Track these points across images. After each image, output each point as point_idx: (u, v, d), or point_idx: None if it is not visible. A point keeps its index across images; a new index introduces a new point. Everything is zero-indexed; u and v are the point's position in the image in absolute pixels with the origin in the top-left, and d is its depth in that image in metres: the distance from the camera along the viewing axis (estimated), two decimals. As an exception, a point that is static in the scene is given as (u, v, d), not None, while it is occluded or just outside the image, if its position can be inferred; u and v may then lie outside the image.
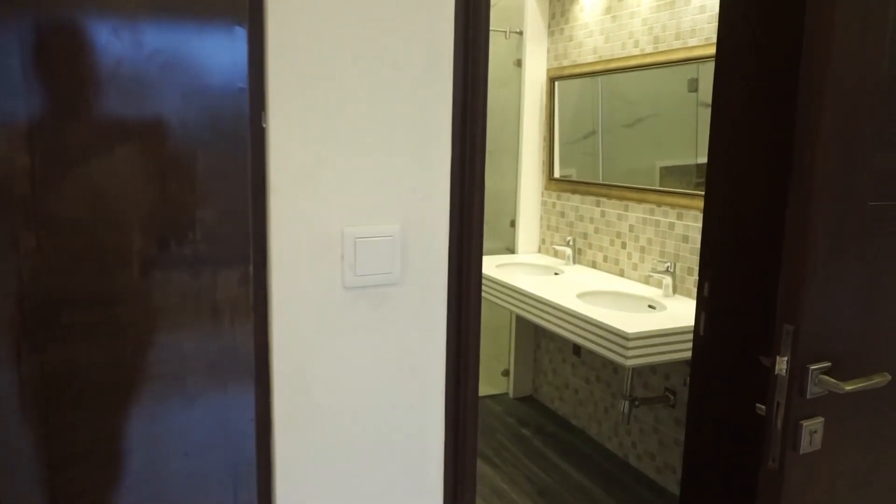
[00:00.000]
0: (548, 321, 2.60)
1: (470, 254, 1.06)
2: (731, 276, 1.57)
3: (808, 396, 1.04)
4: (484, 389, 3.84)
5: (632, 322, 2.27)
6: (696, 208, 2.60)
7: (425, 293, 1.05)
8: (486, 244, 4.14)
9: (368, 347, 1.02)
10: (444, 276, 1.06)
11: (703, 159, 2.61)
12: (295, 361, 0.98)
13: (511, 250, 3.70)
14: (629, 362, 2.19)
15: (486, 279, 3.05)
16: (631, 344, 2.17)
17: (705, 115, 2.58)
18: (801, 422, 1.05)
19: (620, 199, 3.02)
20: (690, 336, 2.28)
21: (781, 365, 1.03)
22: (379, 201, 1.00)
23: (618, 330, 2.20)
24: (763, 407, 1.10)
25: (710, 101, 2.75)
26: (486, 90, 1.07)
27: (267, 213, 0.94)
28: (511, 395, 3.77)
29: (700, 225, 2.57)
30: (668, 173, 2.80)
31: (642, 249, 2.91)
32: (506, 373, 3.81)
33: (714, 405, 1.66)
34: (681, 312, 2.43)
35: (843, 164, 1.04)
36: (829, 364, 1.06)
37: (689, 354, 2.30)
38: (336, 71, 0.95)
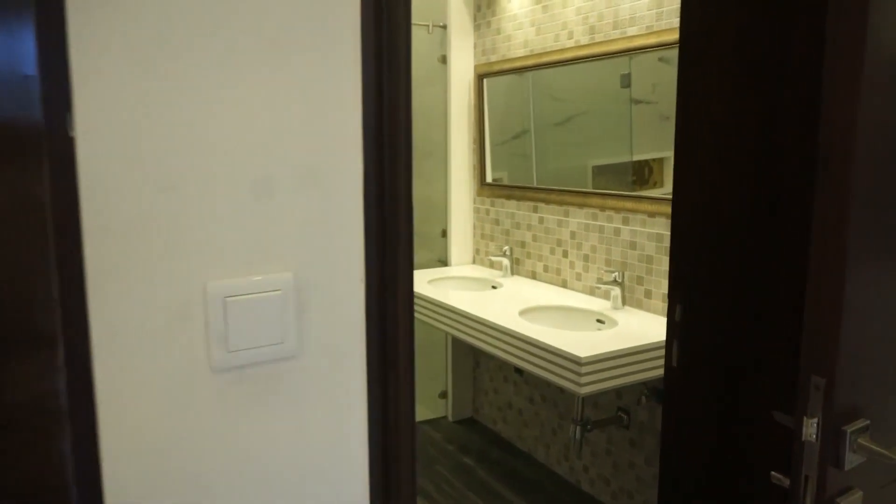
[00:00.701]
0: (489, 343, 2.33)
1: (396, 302, 0.77)
2: (707, 299, 1.33)
3: (847, 468, 0.80)
4: (421, 414, 3.54)
5: (583, 344, 2.03)
6: (643, 212, 2.38)
7: (335, 366, 0.74)
8: (417, 257, 3.85)
9: (255, 455, 0.70)
10: (361, 339, 0.76)
11: (640, 156, 2.42)
12: (141, 494, 0.66)
13: (444, 262, 3.42)
14: (584, 390, 1.94)
15: (418, 298, 2.75)
16: (585, 370, 1.92)
17: (639, 112, 2.39)
18: (837, 499, 0.81)
19: (559, 203, 2.79)
20: (648, 355, 2.06)
21: (810, 428, 0.78)
22: (260, 241, 0.68)
23: (569, 354, 1.95)
24: (781, 477, 0.86)
25: (643, 97, 2.59)
26: (408, 82, 0.78)
27: (83, 268, 0.62)
28: (450, 418, 3.49)
29: (649, 231, 2.36)
30: (601, 172, 2.60)
31: (586, 258, 2.68)
32: (443, 395, 3.53)
33: (691, 441, 1.42)
34: (633, 327, 2.21)
35: (889, 167, 0.80)
36: (868, 422, 0.82)
37: (646, 375, 2.07)
38: (185, 46, 0.64)
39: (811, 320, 0.77)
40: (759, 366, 1.25)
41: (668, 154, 2.34)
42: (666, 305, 2.34)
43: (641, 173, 2.43)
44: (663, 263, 2.32)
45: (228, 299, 0.66)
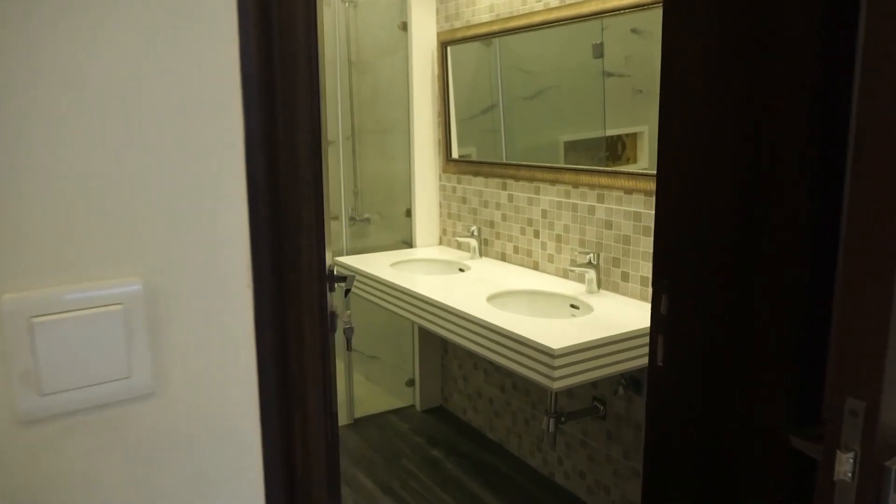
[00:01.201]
0: (454, 332, 2.14)
1: (300, 311, 0.57)
2: (695, 288, 1.16)
3: (886, 513, 0.63)
4: (388, 403, 3.36)
5: (556, 333, 1.85)
6: (620, 188, 2.20)
7: (212, 404, 0.54)
8: (380, 238, 3.64)
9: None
10: (250, 366, 0.56)
11: (613, 131, 2.25)
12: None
13: (408, 244, 3.22)
14: (557, 384, 1.76)
15: (379, 283, 2.55)
16: (558, 362, 1.74)
17: (612, 86, 2.22)
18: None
19: (530, 180, 2.60)
20: (626, 345, 1.89)
21: (843, 465, 0.61)
22: (89, 233, 0.48)
23: (541, 345, 1.77)
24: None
25: (616, 69, 2.41)
26: (312, 15, 0.57)
27: None
28: (418, 407, 3.31)
29: (626, 209, 2.18)
30: (573, 148, 2.42)
31: (559, 238, 2.50)
32: (410, 382, 3.35)
33: (678, 446, 1.25)
34: (610, 313, 2.04)
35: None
36: (909, 454, 0.65)
37: (625, 366, 1.90)
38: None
39: (845, 329, 0.60)
40: (756, 365, 1.08)
41: (643, 128, 2.18)
42: (644, 290, 2.18)
43: (615, 149, 2.26)
44: (641, 244, 2.15)
45: (36, 320, 0.45)
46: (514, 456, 2.83)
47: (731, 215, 1.10)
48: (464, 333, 2.09)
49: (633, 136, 2.23)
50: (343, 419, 3.18)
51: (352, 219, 3.57)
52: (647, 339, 1.91)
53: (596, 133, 2.33)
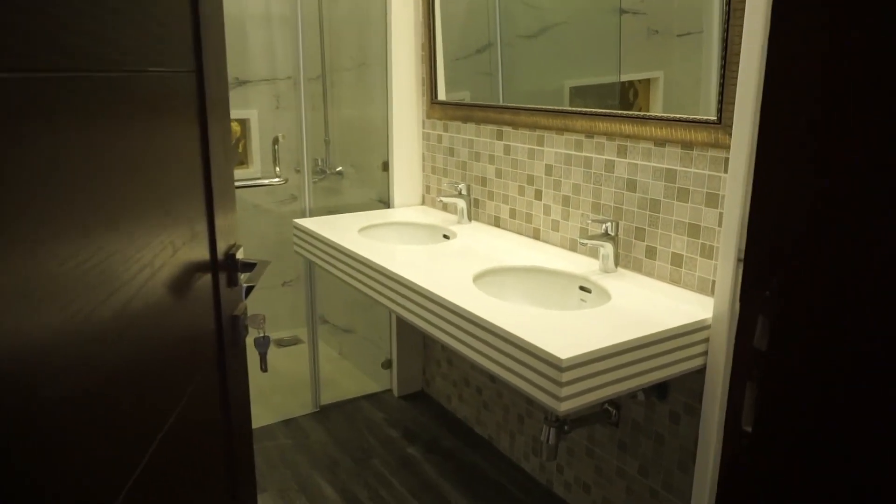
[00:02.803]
0: (430, 323, 1.66)
1: None
2: (822, 271, 0.68)
3: None
4: (361, 387, 2.92)
5: (562, 332, 1.37)
6: (648, 138, 1.70)
7: None
8: (352, 197, 3.12)
9: None
10: None
11: (629, 76, 1.80)
12: None
13: (385, 203, 2.72)
14: (564, 406, 1.30)
15: (340, 253, 2.06)
16: (567, 376, 1.27)
17: (629, 23, 1.77)
18: None
19: (532, 127, 2.09)
20: (658, 348, 1.41)
21: None
22: None
23: (541, 352, 1.30)
24: None
25: (632, 5, 1.89)
26: None
27: None
28: (396, 392, 2.87)
29: (656, 165, 1.68)
30: (579, 94, 1.96)
31: (566, 201, 2.00)
32: (387, 364, 2.89)
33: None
34: (633, 301, 1.56)
35: None
36: None
37: (656, 375, 1.43)
38: None
39: None
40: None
41: (657, 74, 1.76)
42: (676, 271, 1.69)
43: (626, 97, 1.80)
44: (675, 211, 1.66)
45: None
46: (505, 457, 2.40)
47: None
48: (442, 325, 1.61)
49: (647, 82, 1.76)
50: (307, 406, 2.74)
51: (321, 172, 3.06)
52: (685, 340, 1.44)
53: (609, 78, 1.84)
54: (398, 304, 1.80)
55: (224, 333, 0.95)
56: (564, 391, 1.28)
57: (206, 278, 0.90)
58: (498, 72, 2.25)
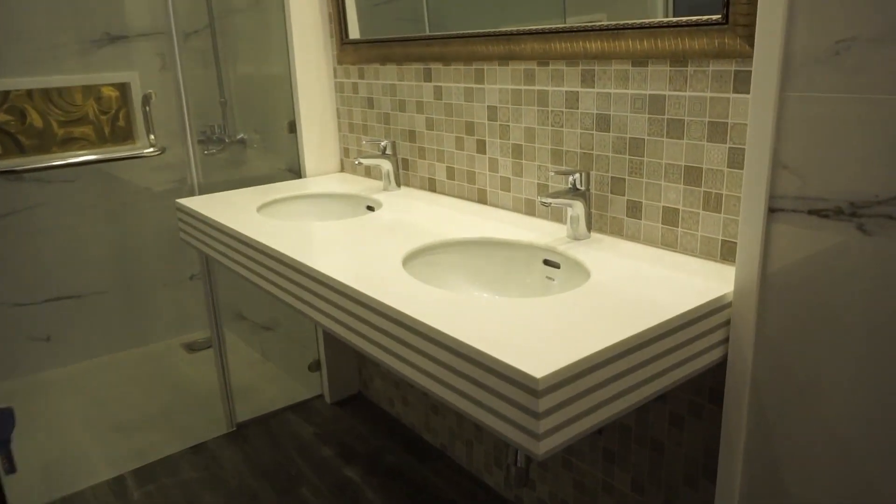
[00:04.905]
0: (349, 328, 1.21)
1: None
2: None
3: None
4: (287, 395, 2.45)
5: (533, 335, 0.94)
6: (625, 56, 1.26)
7: None
8: (257, 168, 2.57)
9: None
10: None
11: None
12: None
13: (296, 173, 2.23)
14: (544, 446, 0.87)
15: (230, 237, 1.58)
16: (545, 403, 0.84)
17: None
18: None
19: (468, 60, 1.63)
20: (663, 346, 1.00)
21: None
22: None
23: (507, 368, 0.86)
24: None
25: None
26: None
27: None
28: (328, 398, 2.41)
29: (637, 92, 1.25)
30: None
31: (517, 151, 1.56)
32: (315, 365, 2.43)
33: None
34: (619, 276, 1.14)
35: None
36: None
37: (659, 384, 1.01)
38: None
39: None
40: None
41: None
42: (670, 231, 1.27)
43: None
44: (664, 152, 1.24)
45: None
46: (463, 470, 1.98)
47: None
48: (362, 329, 1.16)
49: None
50: (220, 426, 2.25)
51: (219, 141, 2.54)
52: (701, 326, 1.03)
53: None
54: (303, 302, 1.33)
55: None
56: (544, 424, 0.85)
57: None
58: (424, 16, 1.76)
